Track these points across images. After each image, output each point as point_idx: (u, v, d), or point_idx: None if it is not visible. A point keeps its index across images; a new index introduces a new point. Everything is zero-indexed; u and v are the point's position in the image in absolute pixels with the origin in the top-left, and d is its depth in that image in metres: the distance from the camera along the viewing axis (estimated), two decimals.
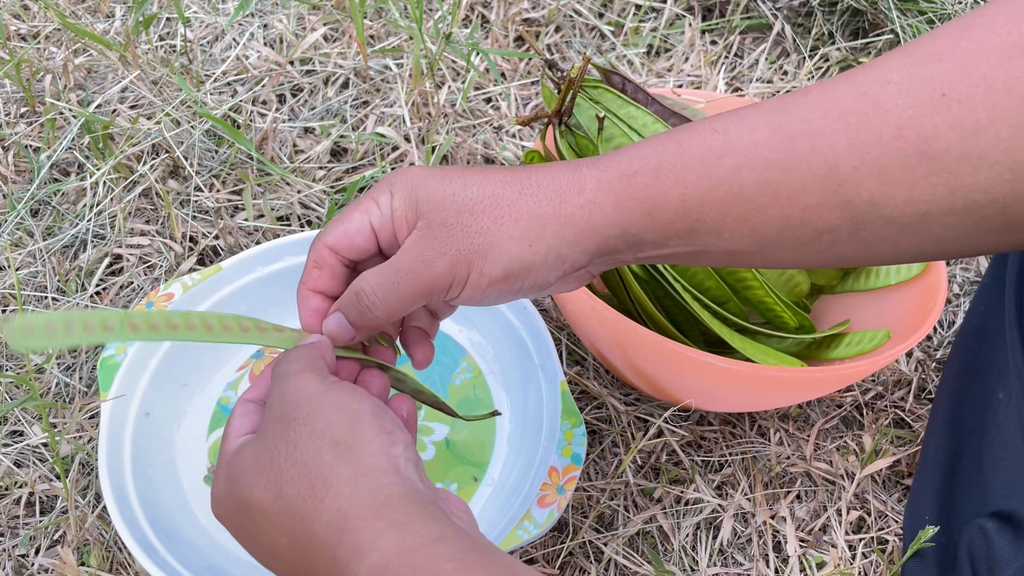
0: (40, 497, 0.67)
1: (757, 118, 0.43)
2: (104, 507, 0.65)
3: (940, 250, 0.44)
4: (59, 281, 0.77)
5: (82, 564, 0.64)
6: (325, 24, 0.96)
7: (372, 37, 0.97)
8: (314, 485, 0.39)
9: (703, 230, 0.44)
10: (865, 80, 0.42)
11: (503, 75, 0.96)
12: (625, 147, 0.46)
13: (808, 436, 0.74)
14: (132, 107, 0.88)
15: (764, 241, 0.44)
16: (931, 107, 0.40)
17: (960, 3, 0.99)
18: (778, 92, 0.97)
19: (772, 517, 0.69)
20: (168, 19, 0.96)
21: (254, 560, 0.43)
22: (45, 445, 0.69)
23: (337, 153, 0.89)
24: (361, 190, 0.86)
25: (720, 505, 0.69)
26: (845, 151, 0.41)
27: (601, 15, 1.04)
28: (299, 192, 0.84)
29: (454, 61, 0.95)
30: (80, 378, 0.73)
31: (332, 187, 0.85)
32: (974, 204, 0.40)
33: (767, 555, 0.68)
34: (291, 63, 0.93)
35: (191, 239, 0.81)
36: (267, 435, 0.42)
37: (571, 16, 1.03)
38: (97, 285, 0.78)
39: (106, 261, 0.79)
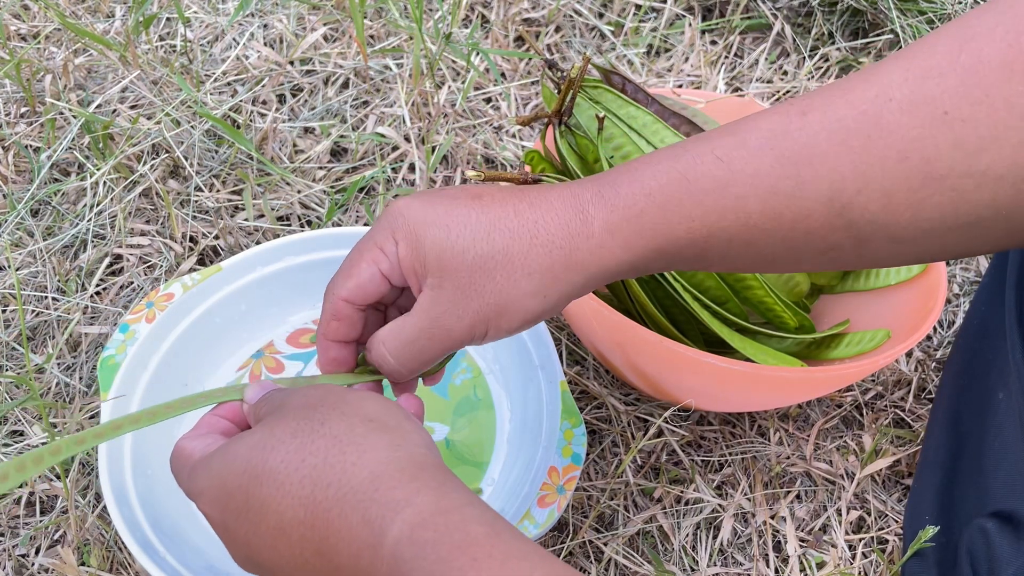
0: (40, 497, 0.67)
1: (760, 143, 0.43)
2: (104, 507, 0.65)
3: (941, 256, 0.45)
4: (59, 281, 0.77)
5: (82, 564, 0.64)
6: (325, 24, 0.96)
7: (372, 37, 0.97)
8: (345, 451, 0.39)
9: (709, 256, 0.46)
10: (865, 97, 0.41)
11: (503, 75, 0.96)
12: (627, 170, 0.46)
13: (808, 436, 0.74)
14: (132, 107, 0.88)
15: (769, 259, 0.46)
16: (934, 127, 0.40)
17: (960, 3, 0.99)
18: (778, 92, 0.97)
19: (772, 517, 0.69)
20: (168, 19, 0.97)
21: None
22: (45, 445, 0.69)
23: (337, 153, 0.89)
24: (361, 190, 0.86)
25: (720, 505, 0.69)
26: (849, 175, 0.41)
27: (601, 15, 1.04)
28: (299, 192, 0.84)
29: (454, 61, 0.95)
30: (80, 378, 0.73)
31: (332, 187, 0.85)
32: (978, 218, 0.41)
33: (767, 555, 0.68)
34: (291, 63, 0.93)
35: (191, 239, 0.81)
36: (285, 418, 0.42)
37: (571, 16, 1.03)
38: (97, 285, 0.78)
39: (106, 261, 0.79)
